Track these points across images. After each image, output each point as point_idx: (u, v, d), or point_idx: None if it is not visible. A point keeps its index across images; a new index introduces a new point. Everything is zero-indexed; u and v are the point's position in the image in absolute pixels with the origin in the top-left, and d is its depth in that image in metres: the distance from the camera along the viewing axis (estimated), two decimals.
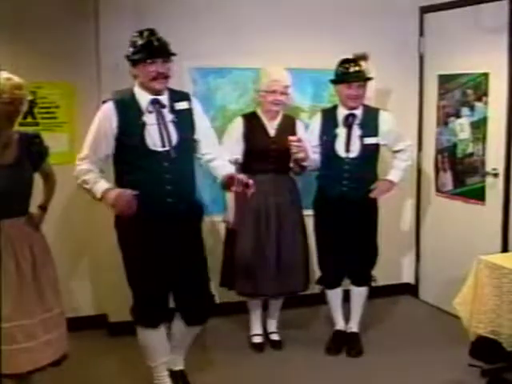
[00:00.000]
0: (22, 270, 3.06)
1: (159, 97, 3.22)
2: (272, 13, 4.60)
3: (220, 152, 3.47)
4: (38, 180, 3.28)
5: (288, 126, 4.12)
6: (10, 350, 2.98)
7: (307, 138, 4.10)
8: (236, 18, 4.51)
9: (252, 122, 4.09)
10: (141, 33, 3.19)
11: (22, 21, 4.10)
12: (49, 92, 4.24)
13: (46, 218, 3.31)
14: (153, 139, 3.17)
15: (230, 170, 3.36)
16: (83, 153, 3.24)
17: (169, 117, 3.23)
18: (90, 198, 4.38)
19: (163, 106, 3.23)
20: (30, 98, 3.26)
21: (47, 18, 4.16)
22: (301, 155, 3.92)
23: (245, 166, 4.05)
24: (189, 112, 3.31)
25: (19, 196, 3.12)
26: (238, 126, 4.07)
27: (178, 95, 3.32)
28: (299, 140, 3.88)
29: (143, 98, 3.21)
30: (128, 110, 3.19)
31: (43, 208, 3.32)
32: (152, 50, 3.14)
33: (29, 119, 4.15)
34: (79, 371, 3.76)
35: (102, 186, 3.15)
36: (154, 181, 3.17)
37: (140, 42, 3.16)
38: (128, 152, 3.19)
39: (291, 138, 3.89)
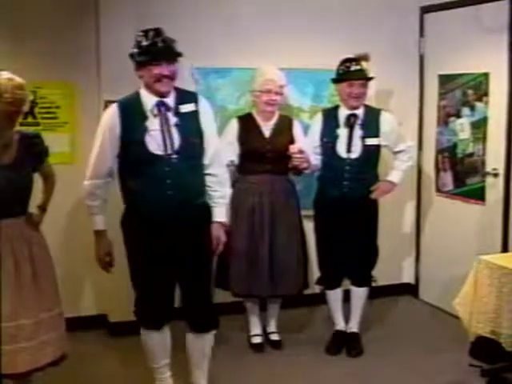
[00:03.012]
0: (21, 270, 3.06)
1: (165, 99, 3.14)
2: (272, 13, 4.61)
3: (221, 168, 3.36)
4: (37, 180, 3.28)
5: (284, 126, 4.11)
6: (9, 350, 2.98)
7: (305, 140, 4.10)
8: (236, 18, 4.52)
9: (247, 124, 4.08)
10: (146, 33, 3.08)
11: (22, 21, 4.10)
12: (49, 92, 4.24)
13: (45, 217, 3.31)
14: (154, 143, 3.10)
15: (219, 214, 3.32)
16: (89, 171, 3.21)
17: (172, 120, 3.14)
18: None
19: (169, 109, 3.14)
20: (30, 98, 3.26)
21: (47, 18, 4.17)
22: (303, 166, 3.92)
23: (241, 167, 4.05)
24: (194, 114, 3.20)
25: (19, 196, 3.12)
26: (232, 128, 4.06)
27: (184, 96, 3.22)
28: (300, 151, 3.87)
29: (148, 100, 3.13)
30: (132, 113, 3.13)
31: (43, 208, 3.32)
32: (156, 53, 3.04)
33: (29, 119, 4.15)
34: (79, 371, 3.76)
35: (96, 223, 3.24)
36: (155, 185, 3.11)
37: (144, 42, 3.06)
38: (130, 156, 3.14)
39: (292, 150, 3.87)
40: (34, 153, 3.16)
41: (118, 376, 3.82)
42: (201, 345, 3.41)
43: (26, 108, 3.15)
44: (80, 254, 4.44)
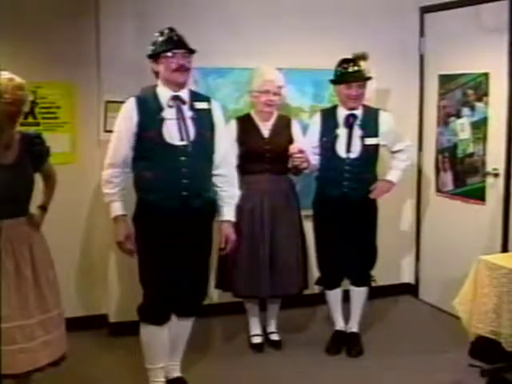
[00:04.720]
0: (22, 271, 3.06)
1: (180, 93, 3.33)
2: (272, 13, 4.60)
3: (230, 168, 3.54)
4: (37, 180, 3.28)
5: (282, 126, 4.12)
6: (9, 351, 2.98)
7: (303, 140, 4.11)
8: (236, 18, 4.52)
9: (245, 124, 4.09)
10: (161, 32, 3.35)
11: (22, 21, 4.09)
12: (49, 92, 4.24)
13: (46, 218, 3.31)
14: (170, 133, 3.26)
15: (229, 213, 3.48)
16: (106, 161, 3.34)
17: (188, 113, 3.33)
18: (91, 199, 4.42)
19: (183, 102, 3.33)
20: (31, 98, 3.27)
21: (47, 18, 4.16)
22: (303, 165, 3.93)
23: (241, 167, 4.05)
24: (208, 112, 3.41)
25: (20, 196, 3.12)
26: (231, 129, 4.06)
27: (198, 96, 3.45)
28: (301, 151, 3.88)
29: (164, 93, 3.32)
30: (148, 106, 3.30)
31: (43, 208, 3.31)
32: (172, 43, 3.29)
33: (30, 119, 4.15)
34: (79, 371, 3.76)
35: (116, 209, 3.31)
36: (171, 174, 3.26)
37: (161, 38, 3.32)
38: (146, 146, 3.28)
39: (292, 150, 3.89)
40: (35, 153, 3.16)
41: (118, 376, 3.82)
42: (183, 332, 3.55)
43: (26, 108, 3.16)
44: (80, 254, 4.46)
